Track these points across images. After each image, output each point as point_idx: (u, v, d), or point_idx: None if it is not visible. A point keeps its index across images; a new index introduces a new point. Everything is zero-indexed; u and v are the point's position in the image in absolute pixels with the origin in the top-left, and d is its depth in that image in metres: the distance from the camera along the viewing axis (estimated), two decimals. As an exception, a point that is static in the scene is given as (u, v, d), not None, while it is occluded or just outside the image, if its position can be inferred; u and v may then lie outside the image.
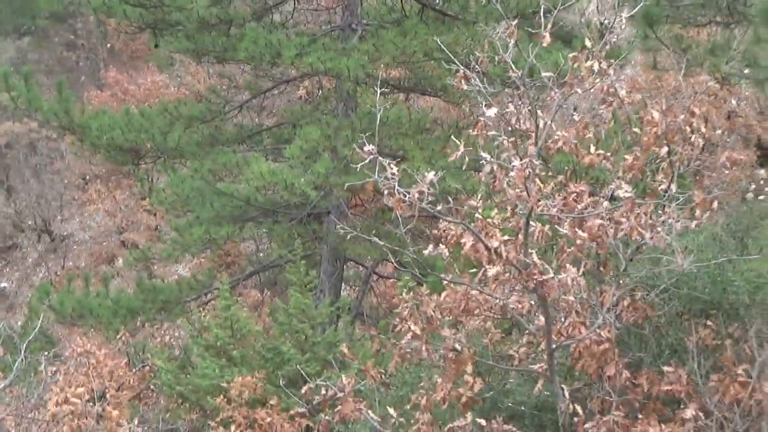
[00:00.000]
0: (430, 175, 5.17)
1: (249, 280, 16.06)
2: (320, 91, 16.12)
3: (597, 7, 18.15)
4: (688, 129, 6.00)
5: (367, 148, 5.02)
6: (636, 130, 6.19)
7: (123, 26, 14.11)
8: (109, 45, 27.06)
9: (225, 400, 8.91)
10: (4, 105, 14.40)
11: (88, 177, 23.44)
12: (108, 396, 10.79)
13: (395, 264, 12.41)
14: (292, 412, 8.71)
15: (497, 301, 5.97)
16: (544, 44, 5.51)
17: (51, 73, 24.23)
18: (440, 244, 5.74)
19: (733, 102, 15.46)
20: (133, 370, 12.20)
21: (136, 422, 9.60)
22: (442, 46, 6.57)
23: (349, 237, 7.37)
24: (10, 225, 24.39)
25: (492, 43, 5.82)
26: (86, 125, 12.71)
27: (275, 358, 9.37)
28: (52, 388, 9.32)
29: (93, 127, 12.63)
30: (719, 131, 8.57)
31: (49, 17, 25.96)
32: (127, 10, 11.96)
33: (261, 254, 17.07)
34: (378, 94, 6.19)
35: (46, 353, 9.44)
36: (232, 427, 8.73)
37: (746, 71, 7.68)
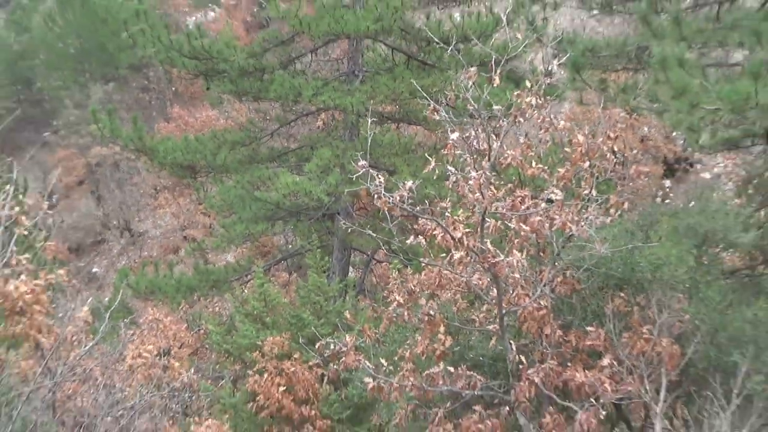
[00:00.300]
0: (409, 183, 5.20)
1: (279, 264, 16.00)
2: (333, 122, 16.07)
3: (542, 57, 18.11)
4: (605, 149, 6.03)
5: (361, 163, 5.05)
6: (567, 149, 6.21)
7: (183, 74, 14.09)
8: (174, 88, 26.97)
9: (260, 354, 8.89)
10: (94, 134, 14.41)
11: (158, 188, 23.36)
12: (172, 352, 10.83)
13: (387, 251, 12.39)
14: (310, 363, 8.74)
15: (463, 278, 5.98)
16: (495, 85, 5.54)
17: (130, 110, 24.03)
18: (419, 236, 5.76)
19: (645, 129, 15.44)
20: (191, 333, 12.22)
21: (192, 371, 9.62)
22: (419, 89, 6.55)
23: (351, 231, 7.39)
24: (99, 224, 24.35)
25: (458, 84, 5.85)
26: (155, 148, 12.69)
27: (298, 323, 9.36)
28: (129, 346, 9.34)
29: (160, 149, 12.61)
30: (634, 151, 8.56)
31: (128, 68, 25.85)
32: (185, 62, 11.94)
33: (289, 245, 17.04)
34: (370, 123, 6.20)
35: (125, 320, 9.42)
36: (265, 375, 8.70)
37: (654, 105, 7.68)
